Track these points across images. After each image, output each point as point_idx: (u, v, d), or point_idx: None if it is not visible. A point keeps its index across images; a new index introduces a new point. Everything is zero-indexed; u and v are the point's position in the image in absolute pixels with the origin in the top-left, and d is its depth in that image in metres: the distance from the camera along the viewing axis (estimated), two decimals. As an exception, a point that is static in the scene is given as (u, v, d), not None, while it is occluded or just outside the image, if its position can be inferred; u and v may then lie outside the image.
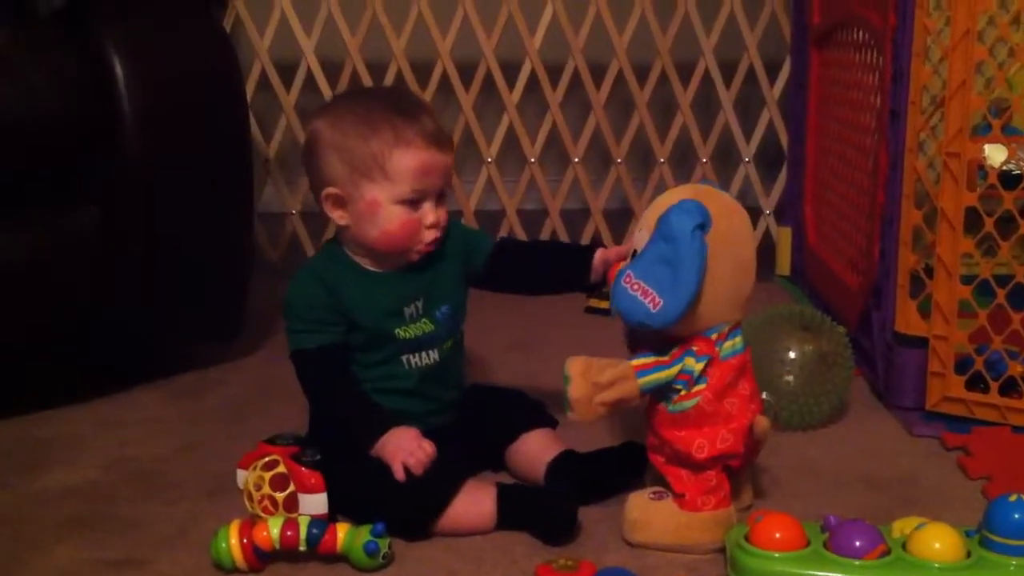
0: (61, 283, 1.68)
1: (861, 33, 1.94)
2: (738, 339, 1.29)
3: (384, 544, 1.23)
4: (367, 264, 1.40)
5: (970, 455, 1.52)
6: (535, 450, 1.43)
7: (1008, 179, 1.68)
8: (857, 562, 1.14)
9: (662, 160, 2.56)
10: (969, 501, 1.40)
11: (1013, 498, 1.16)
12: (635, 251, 1.28)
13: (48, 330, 1.69)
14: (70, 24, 1.68)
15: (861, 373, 1.81)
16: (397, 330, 1.39)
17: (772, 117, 2.57)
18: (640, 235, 1.28)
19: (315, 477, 1.28)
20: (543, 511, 1.30)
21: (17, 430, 1.65)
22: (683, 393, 1.26)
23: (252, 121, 2.17)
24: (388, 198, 1.35)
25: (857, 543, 1.15)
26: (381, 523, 1.23)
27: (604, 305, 2.18)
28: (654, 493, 1.31)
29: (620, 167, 2.57)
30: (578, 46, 2.49)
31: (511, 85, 2.51)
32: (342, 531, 1.24)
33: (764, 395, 1.44)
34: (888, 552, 1.15)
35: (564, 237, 2.55)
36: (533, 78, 2.50)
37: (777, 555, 1.16)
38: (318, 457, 1.29)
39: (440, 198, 1.39)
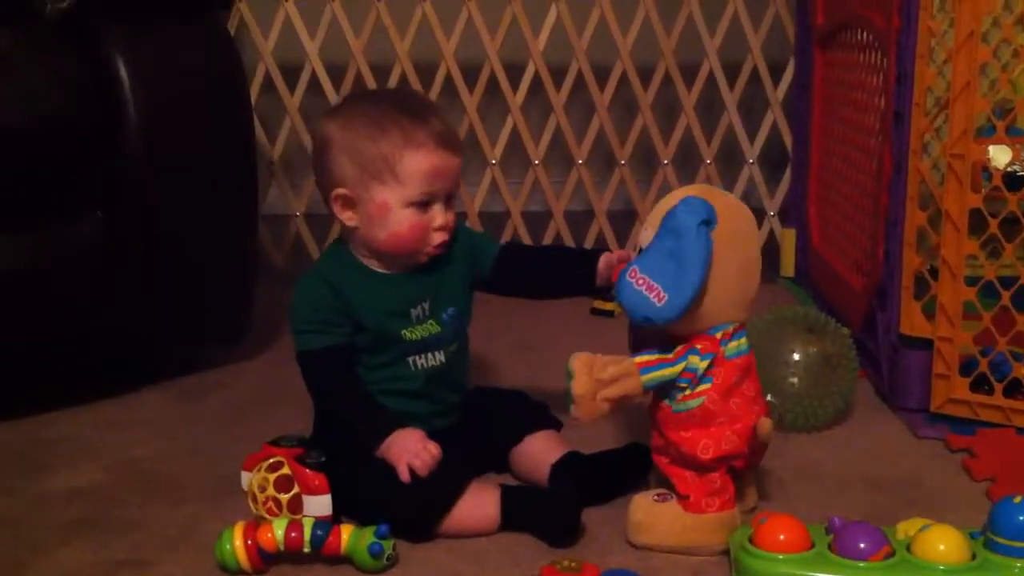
0: (64, 287, 1.68)
1: (865, 34, 1.93)
2: (743, 340, 1.29)
3: (388, 545, 1.23)
4: (374, 265, 1.40)
5: (974, 457, 1.52)
6: (539, 452, 1.43)
7: (1012, 180, 1.68)
8: (862, 564, 1.14)
9: (666, 162, 2.56)
10: (973, 503, 1.40)
11: (1018, 500, 1.16)
12: (640, 248, 1.28)
13: (52, 333, 1.69)
14: (73, 26, 1.68)
15: (865, 375, 1.81)
16: (404, 331, 1.39)
17: (776, 118, 2.56)
18: (645, 233, 1.28)
19: (319, 479, 1.28)
20: (547, 513, 1.30)
21: (21, 432, 1.65)
22: (687, 392, 1.26)
23: (256, 123, 2.17)
24: (398, 200, 1.35)
25: (861, 545, 1.15)
26: (385, 524, 1.23)
27: (608, 307, 2.21)
28: (658, 495, 1.31)
29: (624, 169, 2.56)
30: (582, 48, 2.49)
31: (515, 87, 2.51)
32: (346, 532, 1.24)
33: (768, 397, 1.44)
34: (892, 554, 1.15)
35: (568, 239, 2.55)
36: (537, 80, 2.50)
37: (781, 557, 1.16)
38: (322, 459, 1.29)
39: (449, 200, 1.39)
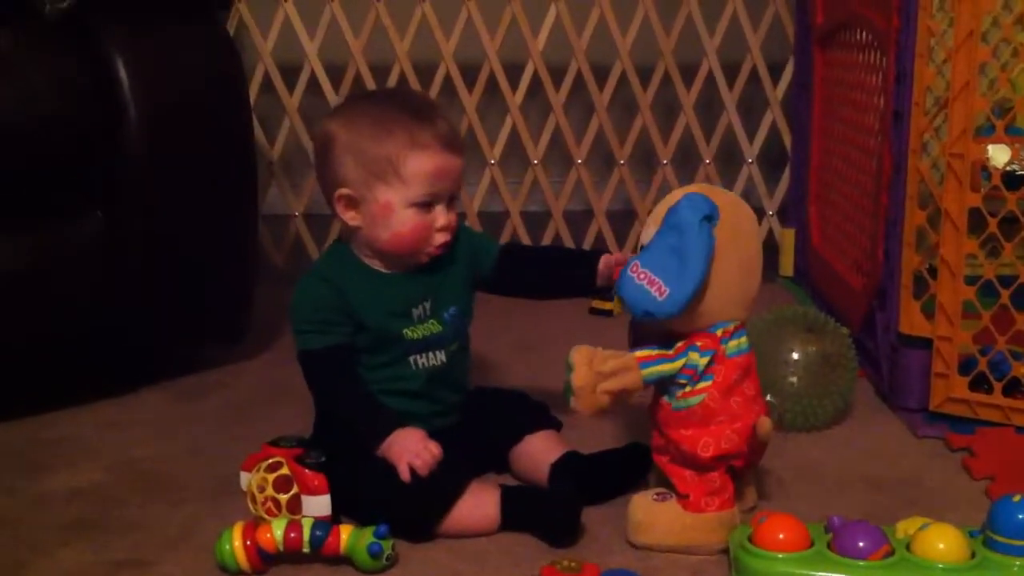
0: (64, 287, 1.67)
1: (864, 34, 1.93)
2: (743, 339, 1.29)
3: (388, 546, 1.23)
4: (376, 265, 1.41)
5: (974, 456, 1.52)
6: (539, 451, 1.43)
7: (1012, 180, 1.68)
8: (861, 563, 1.14)
9: (665, 161, 2.56)
10: (973, 502, 1.40)
11: (1017, 498, 1.16)
12: (642, 245, 1.28)
13: (52, 333, 1.69)
14: (73, 26, 1.68)
15: (865, 374, 1.81)
16: (405, 330, 1.39)
17: (775, 118, 2.57)
18: (648, 230, 1.28)
19: (319, 479, 1.28)
20: (547, 512, 1.31)
21: (21, 433, 1.65)
22: (688, 389, 1.26)
23: (256, 123, 2.17)
24: (401, 201, 1.35)
25: (861, 544, 1.15)
26: (385, 525, 1.23)
27: (607, 306, 2.21)
28: (658, 494, 1.31)
29: (623, 168, 2.56)
30: (581, 48, 2.49)
31: (514, 87, 2.51)
32: (346, 533, 1.24)
33: (768, 397, 1.44)
34: (892, 553, 1.15)
35: (567, 239, 2.56)
36: (536, 80, 2.50)
37: (781, 556, 1.16)
38: (322, 459, 1.29)
39: (451, 201, 1.39)
